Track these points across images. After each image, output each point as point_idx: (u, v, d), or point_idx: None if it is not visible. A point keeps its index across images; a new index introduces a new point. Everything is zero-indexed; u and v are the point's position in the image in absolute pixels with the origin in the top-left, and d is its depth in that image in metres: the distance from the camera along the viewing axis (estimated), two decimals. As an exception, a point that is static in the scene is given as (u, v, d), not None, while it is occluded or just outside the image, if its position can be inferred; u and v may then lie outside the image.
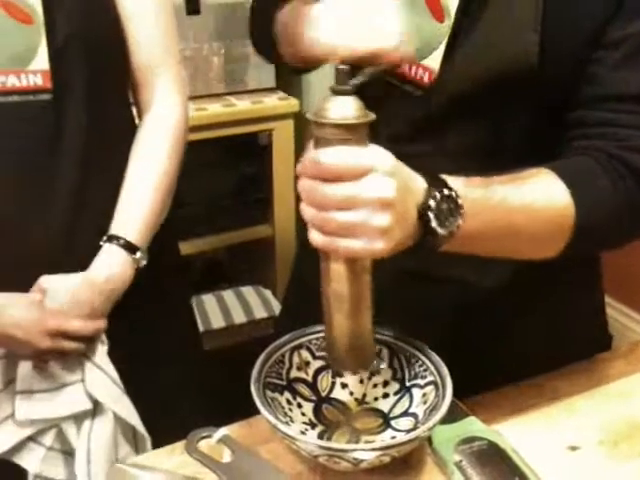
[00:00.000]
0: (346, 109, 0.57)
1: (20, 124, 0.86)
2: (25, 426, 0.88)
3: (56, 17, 0.85)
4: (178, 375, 1.04)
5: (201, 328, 1.62)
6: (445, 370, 0.72)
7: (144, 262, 0.91)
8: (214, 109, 1.74)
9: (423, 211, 0.59)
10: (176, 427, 0.74)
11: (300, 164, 0.58)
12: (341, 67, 0.58)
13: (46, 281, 0.86)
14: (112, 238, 0.89)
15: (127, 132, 0.96)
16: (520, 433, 0.74)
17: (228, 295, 1.98)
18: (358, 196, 0.55)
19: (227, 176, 1.92)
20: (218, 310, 1.90)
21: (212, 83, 1.79)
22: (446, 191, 0.59)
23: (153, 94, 0.96)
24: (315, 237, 0.57)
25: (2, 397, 0.89)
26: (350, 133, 0.56)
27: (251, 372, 0.72)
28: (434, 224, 0.58)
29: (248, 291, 2.00)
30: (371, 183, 0.55)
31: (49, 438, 0.90)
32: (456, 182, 0.61)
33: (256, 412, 0.68)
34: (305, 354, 0.78)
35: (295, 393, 0.76)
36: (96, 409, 0.89)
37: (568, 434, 0.76)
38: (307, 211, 0.57)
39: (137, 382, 0.92)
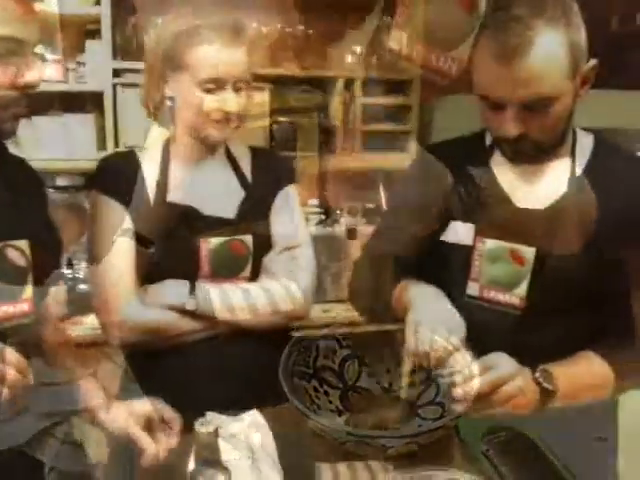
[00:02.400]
0: None
1: None
2: (40, 419, 0.90)
3: None
4: (206, 364, 1.05)
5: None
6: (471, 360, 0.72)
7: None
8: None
9: None
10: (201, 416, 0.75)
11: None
12: None
13: None
14: (126, 232, 0.92)
15: None
16: (547, 422, 0.74)
17: (253, 287, 1.98)
18: None
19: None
20: (243, 301, 1.91)
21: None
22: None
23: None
24: None
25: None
26: None
27: (279, 361, 0.72)
28: None
29: (272, 283, 2.00)
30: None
31: (62, 431, 0.91)
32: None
33: (284, 401, 0.69)
34: (331, 342, 0.78)
35: (322, 381, 0.77)
36: (110, 402, 0.90)
37: (596, 424, 0.75)
38: None
39: (161, 372, 0.93)
